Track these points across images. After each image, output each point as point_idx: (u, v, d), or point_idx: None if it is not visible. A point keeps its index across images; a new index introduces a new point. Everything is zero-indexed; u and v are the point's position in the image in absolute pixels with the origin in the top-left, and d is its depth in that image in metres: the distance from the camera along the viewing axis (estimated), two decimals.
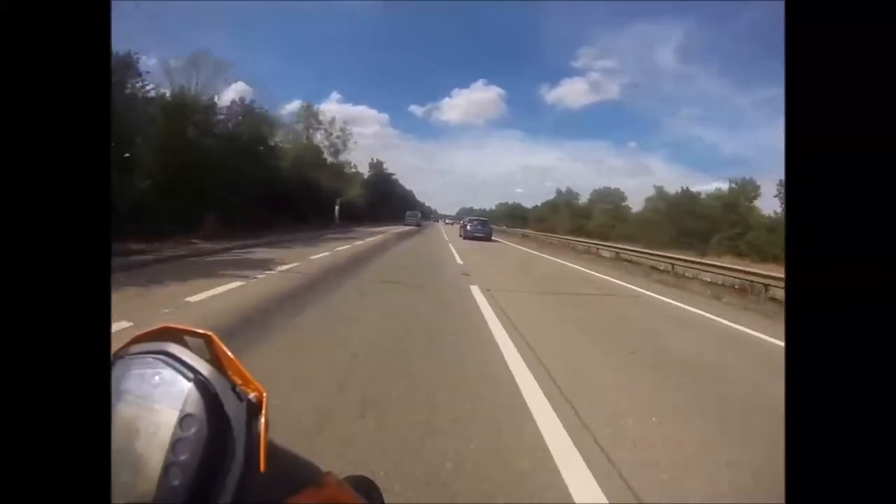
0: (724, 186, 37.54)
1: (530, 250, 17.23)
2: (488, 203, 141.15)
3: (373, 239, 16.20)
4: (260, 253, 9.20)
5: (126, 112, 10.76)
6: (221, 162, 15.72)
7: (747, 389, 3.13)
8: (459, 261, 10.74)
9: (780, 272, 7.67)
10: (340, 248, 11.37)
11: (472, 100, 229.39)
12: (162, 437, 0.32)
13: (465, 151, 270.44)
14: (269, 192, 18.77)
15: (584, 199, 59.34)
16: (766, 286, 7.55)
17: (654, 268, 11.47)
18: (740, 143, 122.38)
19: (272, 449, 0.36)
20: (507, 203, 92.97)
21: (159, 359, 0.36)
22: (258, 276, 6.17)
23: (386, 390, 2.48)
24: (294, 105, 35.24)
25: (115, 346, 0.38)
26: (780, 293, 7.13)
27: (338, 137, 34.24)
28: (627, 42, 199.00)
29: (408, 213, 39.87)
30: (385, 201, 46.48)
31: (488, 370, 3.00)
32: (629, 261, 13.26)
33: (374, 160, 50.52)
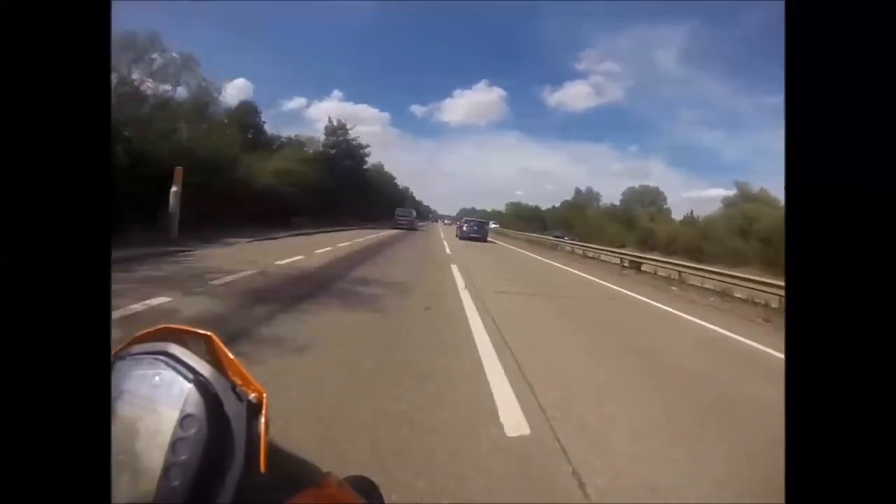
0: (725, 192, 36.77)
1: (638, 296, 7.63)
2: (490, 204, 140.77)
3: None
4: None
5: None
6: None
7: None
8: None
9: None
10: None
11: (474, 101, 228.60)
12: (162, 438, 0.32)
13: (466, 152, 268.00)
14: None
15: (604, 201, 54.35)
16: None
17: None
18: (741, 148, 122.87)
19: (272, 449, 0.36)
20: (518, 203, 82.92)
21: (160, 359, 0.36)
22: None
23: None
24: (294, 103, 31.58)
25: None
26: None
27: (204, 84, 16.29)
28: (630, 45, 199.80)
29: (398, 211, 30.76)
30: (354, 190, 30.17)
31: None
32: None
33: (335, 122, 31.02)
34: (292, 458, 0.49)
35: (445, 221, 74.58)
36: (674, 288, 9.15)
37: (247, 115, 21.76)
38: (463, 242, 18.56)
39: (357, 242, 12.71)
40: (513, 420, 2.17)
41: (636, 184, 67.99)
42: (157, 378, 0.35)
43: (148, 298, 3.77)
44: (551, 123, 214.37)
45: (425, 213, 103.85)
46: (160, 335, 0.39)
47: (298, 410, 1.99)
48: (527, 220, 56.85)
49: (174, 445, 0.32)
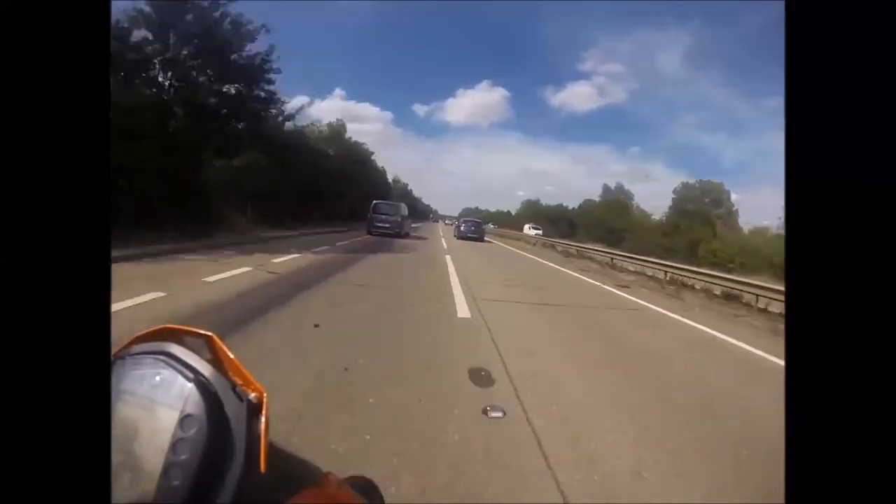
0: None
1: None
2: (494, 204, 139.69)
3: None
4: None
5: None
6: None
7: None
8: None
9: None
10: None
11: (477, 101, 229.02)
12: (162, 438, 0.32)
13: (468, 152, 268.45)
14: None
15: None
16: None
17: None
18: (742, 150, 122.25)
19: (272, 449, 0.36)
20: (536, 202, 66.89)
21: (160, 359, 0.36)
22: None
23: None
24: (297, 101, 26.18)
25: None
26: None
27: None
28: (634, 46, 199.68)
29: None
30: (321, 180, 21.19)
31: None
32: None
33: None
34: (292, 458, 0.49)
35: (447, 222, 71.49)
36: None
37: None
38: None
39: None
40: None
41: (636, 186, 59.12)
42: (157, 378, 0.35)
43: None
44: (553, 124, 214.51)
45: (425, 213, 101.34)
46: (160, 335, 0.39)
47: None
48: (550, 221, 46.10)
49: (174, 445, 0.32)
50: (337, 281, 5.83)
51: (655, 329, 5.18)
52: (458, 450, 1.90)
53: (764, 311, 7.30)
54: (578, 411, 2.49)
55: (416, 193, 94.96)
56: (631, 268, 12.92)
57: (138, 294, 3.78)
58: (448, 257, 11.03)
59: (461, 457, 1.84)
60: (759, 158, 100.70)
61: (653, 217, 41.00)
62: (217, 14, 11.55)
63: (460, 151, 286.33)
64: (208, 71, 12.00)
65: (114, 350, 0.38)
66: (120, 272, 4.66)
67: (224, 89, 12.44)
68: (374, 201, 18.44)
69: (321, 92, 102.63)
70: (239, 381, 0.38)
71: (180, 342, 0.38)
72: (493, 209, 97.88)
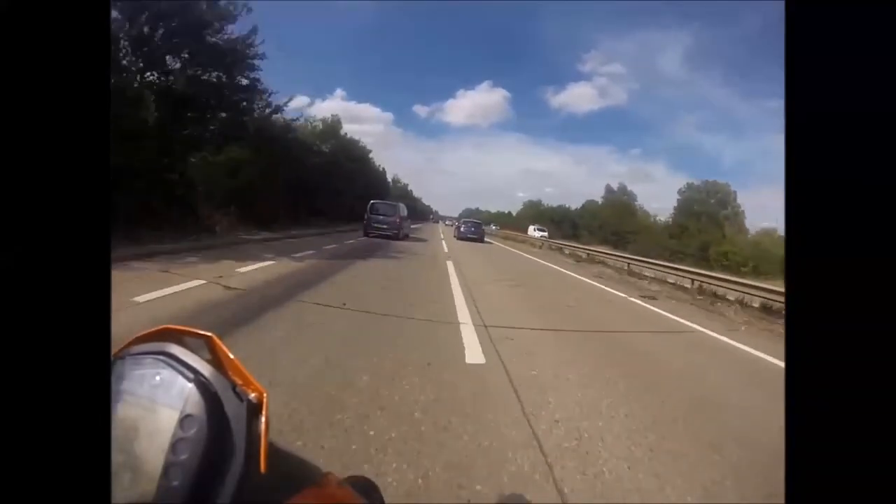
0: None
1: None
2: (494, 205, 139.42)
3: None
4: None
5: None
6: None
7: None
8: None
9: None
10: None
11: (477, 101, 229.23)
12: (162, 438, 0.32)
13: (468, 153, 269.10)
14: None
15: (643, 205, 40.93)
16: None
17: None
18: (742, 151, 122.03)
19: (272, 449, 0.36)
20: (539, 203, 67.96)
21: (160, 359, 0.36)
22: None
23: None
24: (296, 102, 24.46)
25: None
26: None
27: None
28: (635, 48, 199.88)
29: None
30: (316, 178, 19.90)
31: None
32: None
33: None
34: (292, 458, 0.52)
35: (447, 223, 70.30)
36: None
37: None
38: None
39: None
40: None
41: (637, 187, 57.97)
42: (157, 378, 0.35)
43: None
44: (554, 125, 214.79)
45: (425, 213, 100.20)
46: (160, 335, 0.39)
47: None
48: (553, 223, 44.73)
49: (174, 445, 0.32)
50: (308, 300, 4.46)
51: (724, 367, 3.95)
52: None
53: None
54: None
55: (416, 194, 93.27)
56: (648, 273, 11.63)
57: None
58: (450, 263, 9.61)
59: None
60: (759, 159, 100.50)
61: (657, 218, 39.91)
62: None
63: (461, 152, 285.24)
64: (183, 55, 10.60)
65: (114, 350, 0.38)
66: None
67: (201, 75, 11.10)
68: (372, 201, 17.14)
69: (322, 92, 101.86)
70: (239, 381, 0.38)
71: (180, 342, 0.38)
72: (493, 210, 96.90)
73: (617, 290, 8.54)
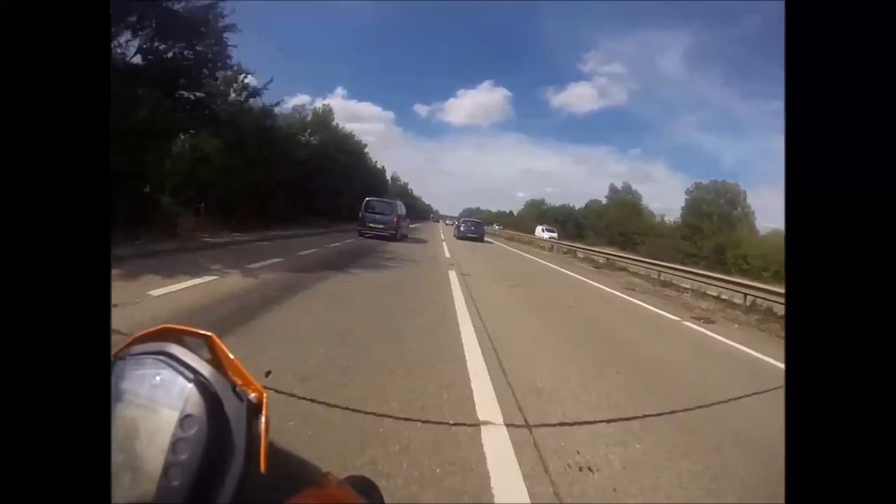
0: None
1: None
2: (494, 205, 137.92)
3: None
4: None
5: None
6: None
7: None
8: None
9: None
10: None
11: (478, 101, 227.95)
12: (162, 438, 0.32)
13: (469, 152, 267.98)
14: None
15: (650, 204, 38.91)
16: None
17: None
18: (742, 152, 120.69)
19: (272, 449, 0.36)
20: (541, 202, 62.81)
21: (160, 359, 0.36)
22: None
23: None
24: (297, 100, 21.87)
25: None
26: None
27: None
28: (635, 47, 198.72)
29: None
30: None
31: None
32: None
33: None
34: (292, 458, 0.52)
35: (447, 222, 68.65)
36: None
37: None
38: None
39: None
40: None
41: (638, 188, 52.42)
42: (157, 378, 0.35)
43: None
44: (554, 125, 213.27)
45: (425, 212, 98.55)
46: (161, 335, 0.39)
47: None
48: (557, 223, 41.22)
49: (174, 445, 0.32)
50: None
51: None
52: None
53: None
54: None
55: (416, 193, 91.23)
56: (682, 283, 9.93)
57: None
58: (453, 274, 7.64)
59: None
60: (759, 160, 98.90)
61: (666, 218, 38.50)
62: None
63: (461, 151, 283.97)
64: (131, 18, 8.80)
65: (114, 350, 0.38)
66: None
67: (158, 47, 9.24)
68: (367, 198, 15.43)
69: (322, 91, 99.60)
70: (239, 382, 0.37)
71: (180, 342, 0.38)
72: (493, 209, 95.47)
73: (662, 308, 6.83)
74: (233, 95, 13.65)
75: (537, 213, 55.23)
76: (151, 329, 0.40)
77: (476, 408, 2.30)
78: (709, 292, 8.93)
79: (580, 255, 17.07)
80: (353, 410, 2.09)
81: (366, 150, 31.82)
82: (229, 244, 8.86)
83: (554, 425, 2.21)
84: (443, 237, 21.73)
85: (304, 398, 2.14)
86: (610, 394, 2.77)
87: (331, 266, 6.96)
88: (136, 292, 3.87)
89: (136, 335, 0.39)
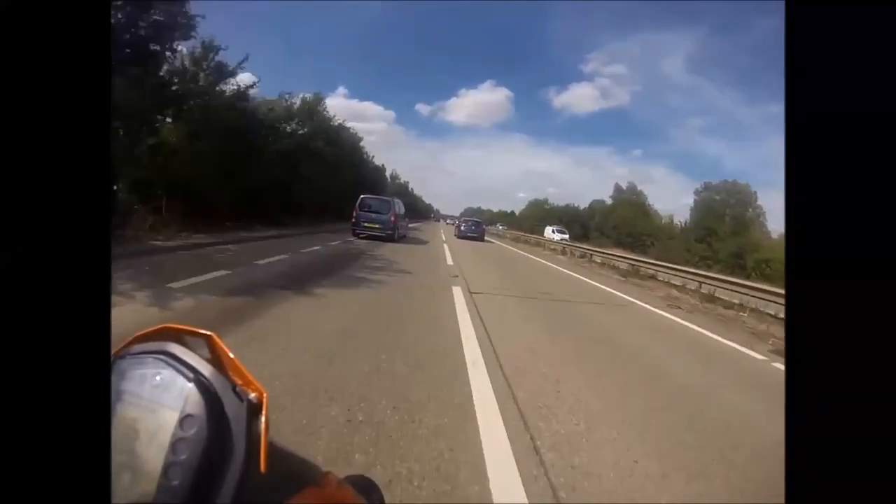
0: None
1: None
2: (496, 205, 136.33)
3: None
4: None
5: None
6: None
7: None
8: None
9: None
10: None
11: (480, 101, 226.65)
12: (162, 438, 0.32)
13: (470, 152, 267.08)
14: None
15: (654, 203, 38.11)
16: None
17: None
18: (743, 155, 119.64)
19: (272, 449, 0.36)
20: (544, 202, 60.57)
21: (160, 359, 0.36)
22: None
23: None
24: (298, 99, 18.66)
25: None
26: None
27: None
28: (638, 49, 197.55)
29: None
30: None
31: None
32: None
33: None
34: (292, 458, 0.49)
35: (448, 221, 66.49)
36: None
37: None
38: None
39: None
40: None
41: (713, 179, 48.71)
42: (157, 378, 0.35)
43: None
44: (556, 126, 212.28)
45: (426, 212, 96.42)
46: (160, 335, 0.39)
47: None
48: (561, 224, 38.34)
49: (174, 445, 0.32)
50: None
51: None
52: None
53: None
54: None
55: (417, 192, 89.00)
56: (730, 297, 8.29)
57: None
58: (458, 293, 5.57)
59: None
60: (761, 163, 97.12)
61: (675, 220, 37.06)
62: None
63: (462, 151, 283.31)
64: None
65: (114, 350, 0.38)
66: None
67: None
68: (361, 196, 13.83)
69: (324, 90, 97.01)
70: (239, 381, 0.37)
71: (180, 342, 0.38)
72: (495, 209, 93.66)
73: (733, 338, 5.25)
74: (203, 76, 11.77)
75: (540, 213, 53.43)
76: (151, 328, 0.39)
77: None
78: (767, 310, 7.22)
79: (597, 259, 15.33)
80: None
81: (361, 143, 29.31)
82: (178, 249, 7.03)
83: None
84: (444, 238, 19.90)
85: None
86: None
87: (293, 282, 4.96)
88: None
89: (136, 334, 0.39)
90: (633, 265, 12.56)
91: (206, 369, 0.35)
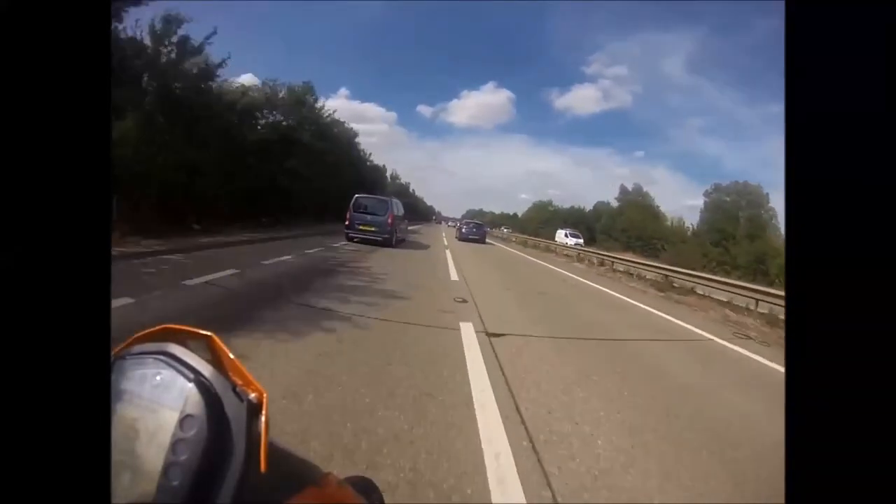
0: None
1: None
2: (497, 206, 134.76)
3: None
4: None
5: None
6: None
7: None
8: None
9: None
10: None
11: (481, 102, 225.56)
12: (162, 438, 0.32)
13: (472, 153, 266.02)
14: None
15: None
16: None
17: None
18: (744, 156, 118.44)
19: (272, 449, 0.36)
20: (548, 203, 58.43)
21: (160, 359, 0.36)
22: None
23: None
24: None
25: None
26: None
27: None
28: (640, 50, 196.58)
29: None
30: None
31: None
32: None
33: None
34: (292, 458, 0.49)
35: (449, 223, 64.31)
36: None
37: None
38: None
39: None
40: None
41: (716, 180, 47.89)
42: (157, 378, 0.34)
43: None
44: (557, 127, 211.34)
45: (427, 213, 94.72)
46: (161, 335, 0.39)
47: None
48: (566, 225, 37.34)
49: (174, 445, 0.32)
50: None
51: None
52: None
53: None
54: None
55: (418, 193, 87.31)
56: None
57: None
58: (466, 333, 3.68)
59: None
60: (761, 164, 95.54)
61: (682, 222, 35.59)
62: None
63: (464, 153, 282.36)
64: None
65: (114, 350, 0.38)
66: None
67: None
68: (356, 195, 12.39)
69: (326, 91, 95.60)
70: (239, 382, 0.37)
71: (180, 342, 0.38)
72: (496, 211, 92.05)
73: None
74: (164, 57, 10.03)
75: (545, 215, 51.84)
76: (151, 329, 0.39)
77: None
78: None
79: (619, 267, 13.63)
80: None
81: (357, 140, 27.39)
82: (119, 259, 5.43)
83: None
84: (446, 243, 17.36)
85: None
86: None
87: (221, 323, 3.14)
88: None
89: (137, 335, 0.39)
90: (666, 276, 10.80)
91: (206, 370, 0.35)
